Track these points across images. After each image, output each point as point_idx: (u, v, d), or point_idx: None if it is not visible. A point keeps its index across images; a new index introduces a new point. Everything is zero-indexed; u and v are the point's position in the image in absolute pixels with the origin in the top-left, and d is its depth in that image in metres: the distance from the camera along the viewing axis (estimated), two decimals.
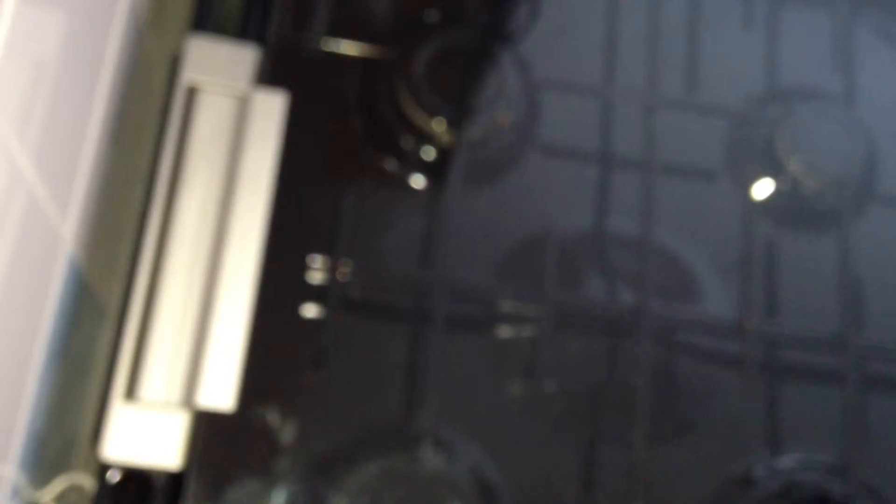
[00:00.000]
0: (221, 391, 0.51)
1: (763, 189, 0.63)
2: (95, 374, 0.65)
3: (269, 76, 0.57)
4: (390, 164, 0.59)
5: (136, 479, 0.53)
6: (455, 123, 0.58)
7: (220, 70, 0.57)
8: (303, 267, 0.55)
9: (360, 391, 0.54)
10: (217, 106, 0.57)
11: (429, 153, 0.59)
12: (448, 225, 0.58)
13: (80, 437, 0.64)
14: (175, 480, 0.52)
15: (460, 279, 0.57)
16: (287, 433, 0.52)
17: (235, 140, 0.56)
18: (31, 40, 0.44)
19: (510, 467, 0.54)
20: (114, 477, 0.53)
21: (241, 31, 0.61)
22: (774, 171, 0.63)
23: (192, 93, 0.57)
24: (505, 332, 0.57)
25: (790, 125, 0.63)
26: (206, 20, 0.61)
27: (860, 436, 0.58)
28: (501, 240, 0.59)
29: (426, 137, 0.58)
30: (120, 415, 0.51)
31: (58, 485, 0.59)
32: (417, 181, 0.59)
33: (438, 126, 0.58)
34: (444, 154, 0.59)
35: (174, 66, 0.58)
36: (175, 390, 0.52)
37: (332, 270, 0.55)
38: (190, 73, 0.57)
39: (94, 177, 0.58)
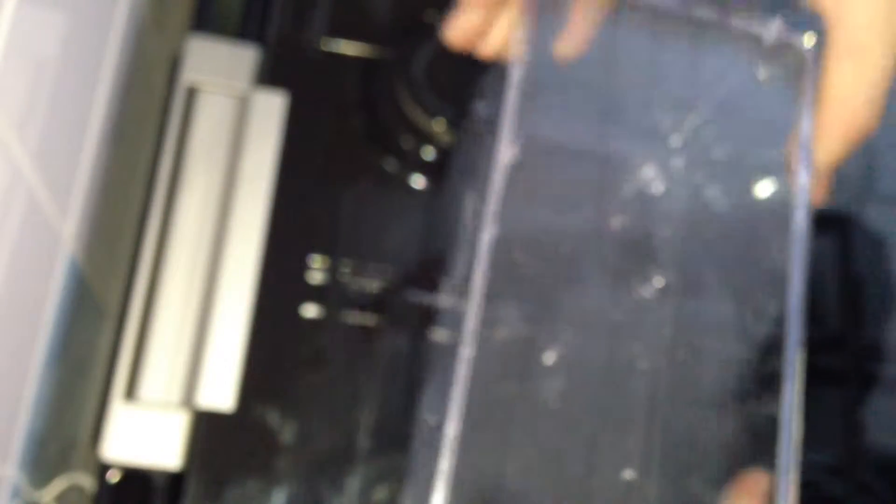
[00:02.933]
0: (221, 391, 0.51)
1: (763, 189, 0.63)
2: (95, 374, 0.65)
3: (269, 76, 0.57)
4: (390, 164, 0.59)
5: (136, 479, 0.53)
6: (455, 123, 0.58)
7: (220, 70, 0.57)
8: (303, 267, 0.55)
9: (360, 391, 0.54)
10: (217, 106, 0.57)
11: (429, 153, 0.59)
12: (448, 225, 0.58)
13: (80, 437, 0.64)
14: (175, 480, 0.52)
15: (460, 279, 0.57)
16: (287, 433, 0.52)
17: (235, 140, 0.56)
18: (31, 40, 0.44)
19: (510, 467, 0.54)
20: (114, 477, 0.53)
21: (241, 31, 0.61)
22: (774, 170, 0.63)
23: (192, 93, 0.57)
24: (505, 331, 0.57)
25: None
26: (206, 20, 0.61)
27: (860, 436, 0.58)
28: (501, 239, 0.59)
29: (426, 137, 0.58)
30: (120, 415, 0.51)
31: (58, 485, 0.59)
32: (417, 181, 0.59)
33: (438, 126, 0.58)
34: (444, 154, 0.59)
35: (174, 66, 0.58)
36: (175, 390, 0.52)
37: (332, 270, 0.55)
38: (190, 73, 0.57)
39: (94, 177, 0.58)
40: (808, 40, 0.41)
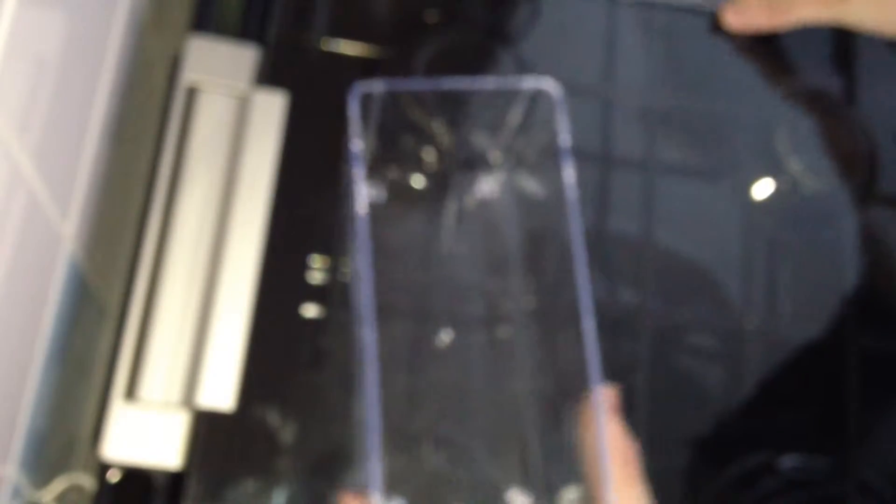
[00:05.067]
0: (221, 391, 0.51)
1: (763, 189, 0.63)
2: (95, 374, 0.65)
3: (269, 76, 0.57)
4: (390, 165, 0.59)
5: (136, 479, 0.53)
6: (455, 123, 0.58)
7: (220, 70, 0.57)
8: (303, 267, 0.55)
9: (359, 391, 0.54)
10: (217, 106, 0.57)
11: (429, 153, 0.59)
12: (448, 224, 0.58)
13: (80, 437, 0.64)
14: (175, 480, 0.52)
15: (460, 279, 0.57)
16: (287, 433, 0.52)
17: (235, 140, 0.56)
18: (31, 40, 0.44)
19: (510, 467, 0.54)
20: (114, 477, 0.53)
21: (241, 31, 0.61)
22: (774, 171, 0.63)
23: (192, 93, 0.57)
24: (505, 331, 0.57)
25: (790, 125, 0.63)
26: (206, 20, 0.61)
27: (860, 436, 0.58)
28: (501, 240, 0.59)
29: (426, 137, 0.58)
30: (120, 415, 0.51)
31: (58, 485, 0.59)
32: (417, 181, 0.59)
33: (438, 126, 0.58)
34: (444, 154, 0.59)
35: (174, 66, 0.58)
36: (175, 390, 0.52)
37: (332, 270, 0.55)
38: (190, 73, 0.57)
39: (94, 177, 0.58)
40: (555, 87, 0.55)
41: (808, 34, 0.67)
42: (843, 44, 0.67)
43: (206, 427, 0.51)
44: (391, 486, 0.50)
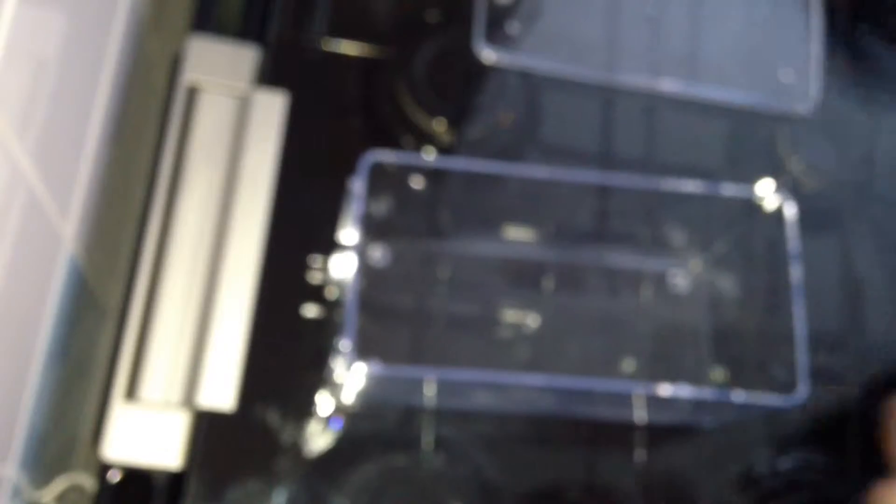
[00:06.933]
0: (221, 391, 0.51)
1: (763, 189, 0.63)
2: (95, 374, 0.65)
3: (269, 76, 0.57)
4: (390, 165, 0.59)
5: (136, 479, 0.53)
6: (455, 123, 0.58)
7: (220, 70, 0.57)
8: (303, 267, 0.56)
9: (359, 391, 0.54)
10: (217, 106, 0.57)
11: (429, 153, 0.59)
12: (448, 225, 0.58)
13: (81, 437, 0.64)
14: (175, 480, 0.52)
15: (461, 279, 0.57)
16: (287, 433, 0.52)
17: (235, 140, 0.56)
18: (31, 40, 0.44)
19: (510, 467, 0.54)
20: (114, 477, 0.53)
21: (241, 31, 0.61)
22: (774, 171, 0.63)
23: (192, 93, 0.57)
24: (505, 332, 0.57)
25: (790, 125, 0.63)
26: (206, 20, 0.61)
27: (860, 435, 0.58)
28: (501, 240, 0.59)
29: (426, 137, 0.58)
30: (120, 415, 0.52)
31: (58, 485, 0.59)
32: (417, 181, 0.59)
33: (438, 126, 0.58)
34: (444, 154, 0.59)
35: (174, 66, 0.58)
36: (175, 390, 0.52)
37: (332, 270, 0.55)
38: (190, 73, 0.57)
39: (94, 177, 0.58)
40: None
41: (807, 32, 0.67)
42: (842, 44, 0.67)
43: (206, 427, 0.51)
44: None
